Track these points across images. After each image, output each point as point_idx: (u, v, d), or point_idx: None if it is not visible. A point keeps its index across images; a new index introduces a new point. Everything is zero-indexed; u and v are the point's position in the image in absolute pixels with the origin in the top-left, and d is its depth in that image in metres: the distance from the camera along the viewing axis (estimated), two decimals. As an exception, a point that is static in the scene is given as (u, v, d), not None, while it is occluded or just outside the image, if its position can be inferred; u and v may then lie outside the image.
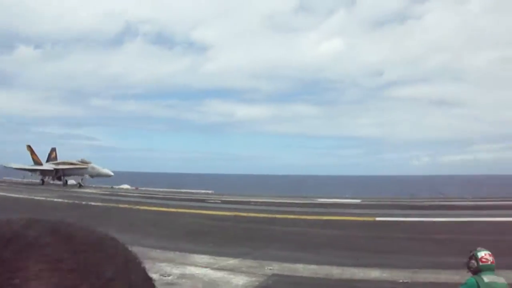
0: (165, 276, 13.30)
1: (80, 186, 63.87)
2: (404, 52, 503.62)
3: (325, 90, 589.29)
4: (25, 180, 70.93)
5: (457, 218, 27.86)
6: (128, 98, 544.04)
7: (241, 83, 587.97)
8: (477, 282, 6.55)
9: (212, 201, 42.50)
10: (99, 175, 67.71)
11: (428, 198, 45.53)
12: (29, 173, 73.29)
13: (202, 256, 16.50)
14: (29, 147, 76.17)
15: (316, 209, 34.51)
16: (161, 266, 14.67)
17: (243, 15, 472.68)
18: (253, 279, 13.36)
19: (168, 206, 35.87)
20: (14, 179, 72.72)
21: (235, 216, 30.21)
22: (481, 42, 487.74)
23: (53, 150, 77.45)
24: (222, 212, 32.15)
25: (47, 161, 74.29)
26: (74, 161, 69.63)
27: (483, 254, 6.83)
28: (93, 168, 67.31)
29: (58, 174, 69.96)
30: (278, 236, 22.10)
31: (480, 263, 6.75)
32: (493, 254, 6.90)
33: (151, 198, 45.72)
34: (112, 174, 69.10)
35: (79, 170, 67.40)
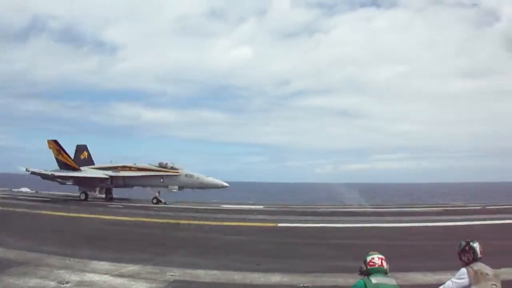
0: (63, 284, 12.78)
1: (158, 201, 45.95)
2: (311, 63, 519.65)
3: (233, 97, 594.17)
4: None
5: (355, 224, 28.99)
6: (31, 97, 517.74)
7: (150, 86, 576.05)
8: (365, 284, 6.83)
9: (114, 206, 41.47)
10: (203, 186, 47.22)
11: (329, 204, 46.91)
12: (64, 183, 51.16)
13: (102, 262, 16.02)
14: (53, 143, 51.15)
15: (220, 215, 34.57)
16: (59, 273, 14.08)
17: (154, 17, 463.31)
18: (153, 285, 13.16)
19: (68, 210, 34.67)
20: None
21: (136, 221, 29.69)
22: (383, 58, 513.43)
23: (83, 148, 54.34)
24: (124, 218, 31.45)
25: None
26: (146, 165, 48.74)
27: (371, 258, 7.17)
28: (189, 176, 46.72)
29: (115, 184, 49.57)
30: (181, 241, 21.96)
31: (368, 267, 7.08)
32: (388, 257, 7.22)
33: (51, 202, 43.97)
34: (226, 185, 47.79)
35: (160, 179, 46.89)
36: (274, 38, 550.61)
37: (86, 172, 49.82)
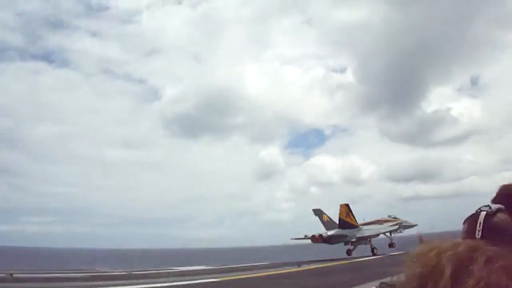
0: None
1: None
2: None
3: None
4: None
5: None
6: None
7: None
8: None
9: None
10: (409, 227, 55.15)
11: None
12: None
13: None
14: (346, 207, 54.01)
15: None
16: None
17: None
18: None
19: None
20: None
21: None
22: (43, 115, 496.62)
23: (320, 212, 56.63)
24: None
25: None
26: (387, 217, 56.76)
27: None
28: (406, 222, 55.99)
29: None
30: None
31: None
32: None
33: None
34: (416, 224, 55.89)
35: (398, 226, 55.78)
36: None
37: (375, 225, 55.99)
